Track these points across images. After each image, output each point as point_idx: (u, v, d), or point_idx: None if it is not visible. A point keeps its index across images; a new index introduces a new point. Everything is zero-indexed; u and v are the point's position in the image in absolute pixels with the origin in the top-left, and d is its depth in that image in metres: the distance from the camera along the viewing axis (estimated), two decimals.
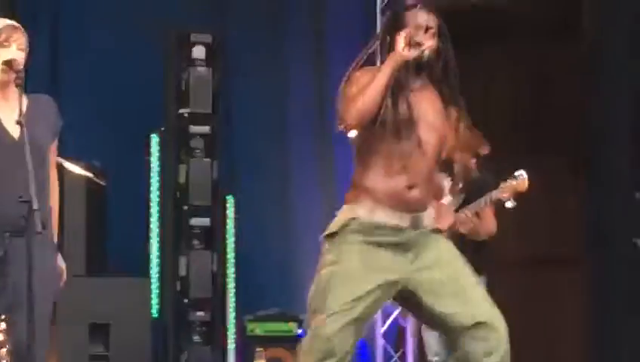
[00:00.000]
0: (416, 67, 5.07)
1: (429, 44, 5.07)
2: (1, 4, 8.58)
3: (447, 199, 7.43)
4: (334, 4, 10.15)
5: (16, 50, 5.26)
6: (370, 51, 5.27)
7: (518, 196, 7.09)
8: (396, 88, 5.07)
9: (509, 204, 7.10)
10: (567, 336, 9.54)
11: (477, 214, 7.33)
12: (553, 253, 9.77)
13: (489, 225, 7.40)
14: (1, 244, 5.23)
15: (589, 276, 9.24)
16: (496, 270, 7.52)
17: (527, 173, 7.25)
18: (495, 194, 7.12)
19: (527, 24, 9.79)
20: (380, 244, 5.17)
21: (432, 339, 7.57)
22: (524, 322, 8.35)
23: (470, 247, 6.86)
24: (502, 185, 7.10)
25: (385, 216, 5.08)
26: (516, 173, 7.05)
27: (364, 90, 5.09)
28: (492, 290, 6.57)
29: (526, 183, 7.06)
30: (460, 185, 7.63)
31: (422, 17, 5.18)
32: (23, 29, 5.39)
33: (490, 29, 10.01)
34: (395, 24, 5.20)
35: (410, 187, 5.04)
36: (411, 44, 4.99)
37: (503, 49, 10.04)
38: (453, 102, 5.27)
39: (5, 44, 5.27)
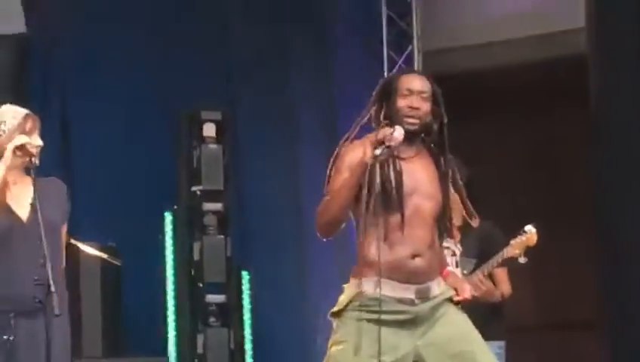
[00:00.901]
0: (410, 136, 5.06)
1: (398, 134, 4.99)
2: (13, 90, 8.75)
3: (456, 271, 6.97)
4: (343, 74, 9.90)
5: (36, 138, 5.42)
6: (362, 121, 5.25)
7: (528, 251, 7.02)
8: (385, 163, 5.05)
9: (521, 260, 6.99)
10: None
11: (490, 276, 7.23)
12: (570, 318, 9.83)
13: (503, 286, 7.31)
14: (8, 328, 5.35)
15: (606, 340, 8.95)
16: (513, 334, 7.46)
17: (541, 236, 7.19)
18: (506, 252, 7.00)
19: (537, 88, 9.83)
20: (386, 322, 5.13)
21: None
22: None
23: (486, 311, 6.90)
24: (512, 241, 6.97)
25: (390, 290, 5.05)
26: (525, 228, 6.97)
27: (331, 199, 5.18)
28: (511, 355, 7.27)
29: (535, 237, 6.97)
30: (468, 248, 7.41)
31: (415, 82, 5.22)
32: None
33: (498, 94, 10.12)
34: (388, 90, 5.22)
35: (413, 256, 5.02)
36: (382, 144, 5.00)
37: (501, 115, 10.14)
38: (448, 166, 5.26)
39: (28, 131, 5.43)
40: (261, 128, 9.66)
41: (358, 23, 9.81)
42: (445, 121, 5.22)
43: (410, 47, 9.65)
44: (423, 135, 5.18)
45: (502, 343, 7.25)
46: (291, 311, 9.28)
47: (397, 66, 9.42)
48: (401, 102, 5.12)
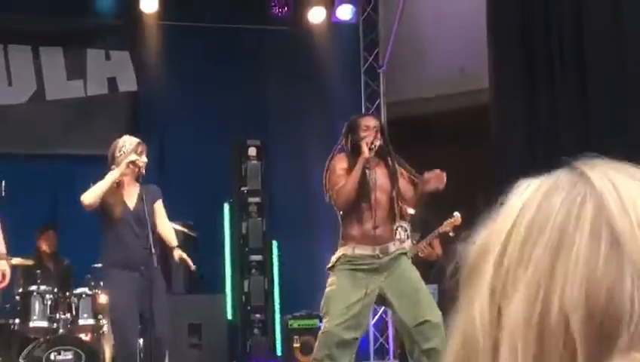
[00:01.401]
0: (375, 152, 5.69)
1: (377, 142, 5.64)
2: (129, 127, 9.13)
3: (407, 243, 7.59)
4: (338, 114, 9.56)
5: (143, 157, 6.27)
6: (338, 147, 5.87)
7: (456, 229, 7.56)
8: (364, 169, 5.66)
9: (451, 234, 7.58)
10: None
11: (430, 244, 7.85)
12: None
13: (438, 250, 7.92)
14: (142, 274, 6.12)
15: None
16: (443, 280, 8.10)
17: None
18: (441, 229, 7.65)
19: (459, 126, 9.90)
20: (361, 270, 5.69)
21: None
22: None
23: (426, 265, 7.53)
24: (445, 222, 7.59)
25: (363, 250, 5.67)
26: (454, 214, 7.60)
27: (346, 185, 5.62)
28: (441, 296, 7.40)
29: (460, 220, 7.56)
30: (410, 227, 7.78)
31: (369, 121, 5.90)
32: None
33: (433, 129, 10.30)
34: (353, 126, 5.83)
35: (375, 227, 5.63)
36: (370, 147, 5.64)
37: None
38: (395, 168, 5.76)
39: (140, 153, 6.26)
40: (284, 151, 10.22)
41: (347, 85, 10.43)
42: (387, 141, 5.81)
43: (378, 100, 10.45)
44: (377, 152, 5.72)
45: (435, 286, 7.58)
46: (305, 266, 9.44)
47: (370, 112, 9.98)
48: (363, 134, 5.73)
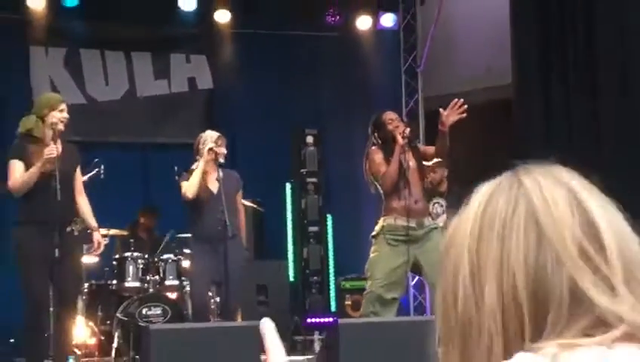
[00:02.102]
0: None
1: (407, 131, 5.75)
2: (206, 122, 9.00)
3: (443, 217, 7.85)
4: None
5: (222, 148, 6.44)
6: (370, 143, 5.98)
7: None
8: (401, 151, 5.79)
9: None
10: None
11: None
12: None
13: None
14: (211, 246, 6.25)
15: None
16: None
17: None
18: None
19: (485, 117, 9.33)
20: (400, 240, 5.72)
21: None
22: None
23: None
24: None
25: (402, 221, 5.72)
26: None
27: (389, 170, 5.70)
28: None
29: None
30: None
31: (390, 114, 6.01)
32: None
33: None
34: (379, 123, 5.94)
35: (414, 202, 5.73)
36: (403, 135, 5.75)
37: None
38: (417, 148, 5.92)
39: (219, 145, 6.42)
40: (337, 139, 10.10)
41: (389, 83, 10.27)
42: (410, 128, 5.91)
43: (416, 96, 10.27)
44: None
45: None
46: (354, 235, 9.31)
47: (409, 106, 10.18)
48: (391, 126, 5.87)
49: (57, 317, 5.43)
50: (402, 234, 5.67)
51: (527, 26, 8.65)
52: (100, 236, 5.81)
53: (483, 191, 0.98)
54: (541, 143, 8.25)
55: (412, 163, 5.79)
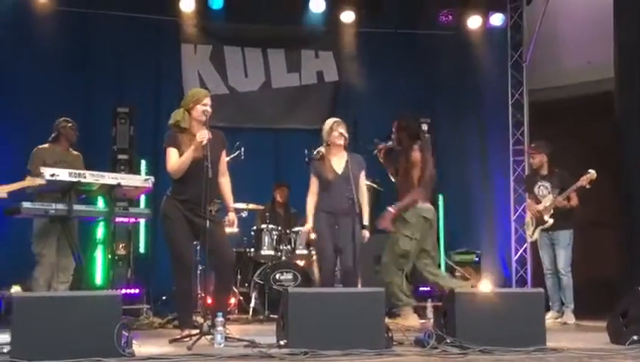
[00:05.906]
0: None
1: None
2: (331, 112, 9.00)
3: (549, 197, 7.55)
4: (492, 101, 10.09)
5: (342, 131, 6.18)
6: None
7: (591, 183, 7.19)
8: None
9: (587, 187, 7.22)
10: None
11: (568, 197, 7.45)
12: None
13: (574, 201, 7.51)
14: (335, 222, 6.18)
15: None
16: (577, 228, 7.63)
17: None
18: (579, 183, 7.26)
19: (585, 109, 9.67)
20: (421, 217, 6.45)
21: (546, 259, 7.62)
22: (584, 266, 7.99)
23: (563, 213, 7.39)
24: (582, 178, 7.21)
25: (423, 204, 6.44)
26: (589, 170, 7.24)
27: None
28: (575, 241, 7.39)
29: (595, 175, 7.15)
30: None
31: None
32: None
33: (564, 111, 9.90)
34: (413, 127, 6.47)
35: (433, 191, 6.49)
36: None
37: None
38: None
39: (336, 129, 6.21)
40: (448, 126, 10.08)
41: (497, 76, 10.03)
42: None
43: (521, 89, 10.02)
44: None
45: (571, 230, 7.54)
46: (464, 214, 9.63)
47: (514, 98, 9.96)
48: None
49: (220, 278, 5.37)
50: (421, 214, 6.34)
51: (631, 22, 8.48)
52: (234, 216, 5.67)
53: None
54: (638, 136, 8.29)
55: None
